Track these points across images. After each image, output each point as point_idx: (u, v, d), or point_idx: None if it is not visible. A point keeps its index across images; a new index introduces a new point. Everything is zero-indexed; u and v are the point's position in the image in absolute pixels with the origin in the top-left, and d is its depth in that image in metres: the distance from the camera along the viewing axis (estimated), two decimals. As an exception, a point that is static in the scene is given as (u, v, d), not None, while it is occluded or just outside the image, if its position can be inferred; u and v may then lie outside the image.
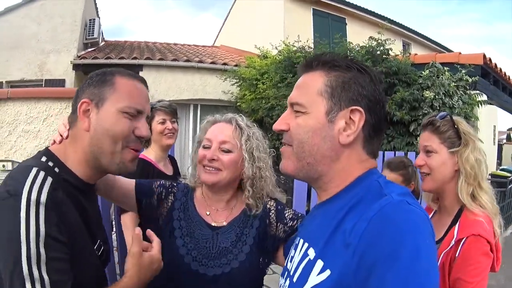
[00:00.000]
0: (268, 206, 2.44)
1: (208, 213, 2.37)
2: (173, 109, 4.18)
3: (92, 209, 1.92)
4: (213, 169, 2.29)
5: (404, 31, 21.17)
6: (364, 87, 1.49)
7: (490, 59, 10.58)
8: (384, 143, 8.99)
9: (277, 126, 1.62)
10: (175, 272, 2.18)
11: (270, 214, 2.42)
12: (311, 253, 1.45)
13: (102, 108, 1.81)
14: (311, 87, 1.54)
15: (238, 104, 13.51)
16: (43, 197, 1.53)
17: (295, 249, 1.64)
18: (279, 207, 2.46)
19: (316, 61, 1.58)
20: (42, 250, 1.46)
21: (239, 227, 2.34)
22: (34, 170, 1.62)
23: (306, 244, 1.54)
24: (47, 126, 9.74)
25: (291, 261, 1.64)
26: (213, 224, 2.33)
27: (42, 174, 1.62)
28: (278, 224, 2.40)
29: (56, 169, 1.74)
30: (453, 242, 2.34)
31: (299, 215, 2.47)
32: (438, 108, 8.66)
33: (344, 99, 1.48)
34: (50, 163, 1.75)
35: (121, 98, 1.82)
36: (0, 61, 15.05)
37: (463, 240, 2.30)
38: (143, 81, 1.97)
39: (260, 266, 2.34)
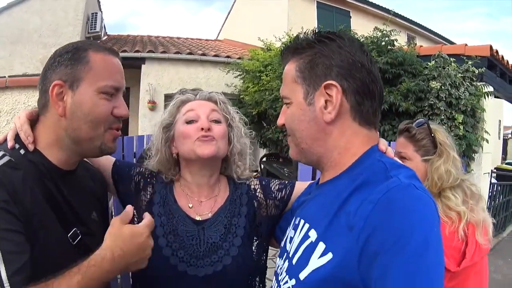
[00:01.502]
0: (252, 186, 2.25)
1: (190, 205, 2.11)
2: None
3: (70, 195, 1.76)
4: (210, 137, 2.06)
5: (409, 24, 21.20)
6: (330, 56, 1.45)
7: (496, 51, 10.43)
8: (390, 134, 8.83)
9: (278, 121, 1.64)
10: (161, 276, 1.97)
11: (257, 194, 2.22)
12: (313, 234, 1.41)
13: (78, 91, 1.69)
14: (288, 77, 1.55)
15: (241, 96, 13.46)
16: None
17: (295, 230, 1.58)
18: (263, 182, 2.28)
19: (286, 51, 1.59)
20: None
21: (226, 217, 2.10)
22: None
23: (307, 225, 1.49)
24: None
25: (290, 242, 1.59)
26: (197, 218, 2.07)
27: (0, 153, 1.57)
28: (268, 201, 2.21)
29: (22, 151, 1.67)
30: None
31: (286, 183, 2.30)
32: (444, 99, 8.54)
33: (314, 78, 1.46)
34: (17, 145, 1.68)
35: (99, 77, 1.71)
36: (3, 55, 15.11)
37: None
38: (117, 54, 1.85)
39: (255, 257, 2.12)
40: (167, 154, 2.14)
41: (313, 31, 1.55)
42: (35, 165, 1.65)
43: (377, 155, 1.45)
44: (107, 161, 2.19)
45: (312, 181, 2.15)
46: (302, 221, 1.54)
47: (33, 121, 1.78)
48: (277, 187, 2.25)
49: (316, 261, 1.32)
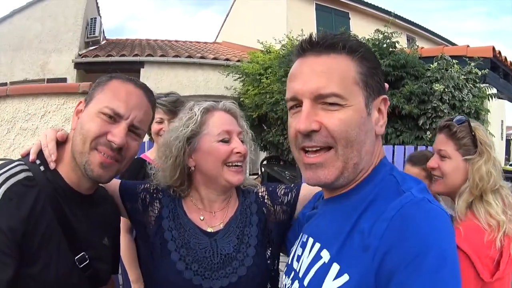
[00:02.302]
0: (260, 194, 2.23)
1: (202, 218, 2.09)
2: (174, 108, 3.67)
3: (83, 219, 1.80)
4: (240, 165, 2.05)
5: (408, 25, 21.21)
6: (382, 72, 1.41)
7: (499, 52, 10.42)
8: (393, 137, 8.84)
9: (306, 125, 1.34)
10: None
11: (265, 201, 2.20)
12: (325, 255, 1.34)
13: (87, 108, 1.78)
14: (345, 75, 1.35)
15: (241, 99, 13.33)
16: (3, 188, 1.53)
17: (303, 248, 1.52)
18: (270, 189, 2.25)
19: (342, 42, 1.38)
20: None
21: (238, 227, 2.08)
22: (15, 163, 1.66)
23: (318, 245, 1.42)
24: (44, 123, 9.61)
25: (298, 261, 1.53)
26: (208, 230, 2.06)
27: (18, 168, 1.63)
28: (276, 207, 2.18)
29: (42, 168, 1.71)
30: None
31: (292, 186, 2.25)
32: (447, 101, 8.48)
33: (374, 88, 1.38)
34: (38, 161, 1.73)
35: (104, 98, 1.76)
36: (4, 62, 15.37)
37: None
38: (143, 87, 1.86)
39: (269, 265, 2.10)
40: (182, 165, 2.07)
41: (348, 34, 1.46)
42: (51, 184, 1.69)
43: (388, 168, 1.41)
44: (115, 183, 2.14)
45: (317, 192, 1.99)
46: (311, 240, 1.48)
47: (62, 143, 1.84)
48: (283, 192, 2.22)
49: (331, 283, 1.26)
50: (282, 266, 1.86)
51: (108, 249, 1.99)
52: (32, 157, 1.72)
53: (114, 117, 1.74)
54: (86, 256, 1.77)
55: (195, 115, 2.06)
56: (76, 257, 1.73)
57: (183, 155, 2.05)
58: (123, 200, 2.14)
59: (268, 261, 2.10)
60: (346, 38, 1.40)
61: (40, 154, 1.76)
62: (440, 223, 1.16)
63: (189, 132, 2.04)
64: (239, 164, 2.04)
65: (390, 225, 1.15)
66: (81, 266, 1.75)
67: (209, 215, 2.10)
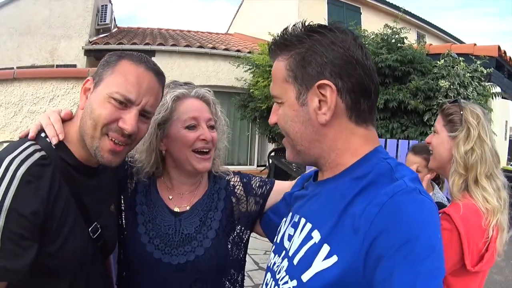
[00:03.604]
0: (232, 182, 2.31)
1: (170, 197, 2.21)
2: None
3: (94, 191, 1.87)
4: (206, 151, 2.12)
5: (419, 22, 21.21)
6: (323, 53, 1.38)
7: (505, 52, 10.55)
8: (398, 132, 9.00)
9: (270, 120, 1.58)
10: (139, 262, 2.08)
11: (236, 190, 2.28)
12: (316, 235, 1.38)
13: (97, 89, 1.76)
14: (278, 76, 1.48)
15: (251, 90, 13.43)
16: (21, 171, 1.55)
17: (294, 228, 1.56)
18: (244, 179, 2.34)
19: (273, 46, 1.51)
20: (2, 219, 1.48)
21: (202, 210, 2.18)
22: (26, 144, 1.67)
23: (309, 225, 1.45)
24: (53, 107, 9.47)
25: (289, 240, 1.56)
26: (175, 209, 2.17)
27: (31, 149, 1.65)
28: (248, 197, 2.27)
29: (54, 146, 1.73)
30: None
31: (267, 180, 2.36)
32: (452, 98, 8.11)
33: (307, 78, 1.40)
34: (48, 139, 1.74)
35: (114, 82, 1.73)
36: (11, 47, 15.23)
37: None
38: (155, 70, 1.82)
39: (230, 250, 2.21)
40: (156, 150, 2.16)
41: (302, 23, 1.47)
42: (63, 160, 1.73)
43: (382, 155, 1.43)
44: None
45: (304, 173, 2.15)
46: (303, 220, 1.52)
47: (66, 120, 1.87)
48: (258, 184, 2.31)
49: (320, 263, 1.30)
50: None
51: (114, 216, 2.09)
52: (32, 134, 1.73)
53: (125, 103, 1.72)
54: (98, 226, 1.87)
55: (166, 102, 2.11)
56: (90, 228, 1.83)
57: (155, 140, 2.13)
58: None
59: (230, 246, 2.19)
60: (282, 38, 1.47)
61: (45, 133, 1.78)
62: (429, 214, 1.21)
63: (160, 118, 2.10)
64: (205, 150, 2.11)
65: (382, 211, 1.19)
66: (95, 236, 1.85)
67: (177, 195, 2.20)
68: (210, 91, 2.28)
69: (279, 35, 1.49)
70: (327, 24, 1.45)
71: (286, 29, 1.48)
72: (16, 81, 9.39)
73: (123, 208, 2.21)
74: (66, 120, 1.86)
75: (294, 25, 1.47)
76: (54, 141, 1.73)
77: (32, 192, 1.55)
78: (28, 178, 1.55)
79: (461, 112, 2.50)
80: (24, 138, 1.73)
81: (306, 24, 1.46)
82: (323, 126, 1.41)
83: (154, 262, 2.04)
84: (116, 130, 1.73)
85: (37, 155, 1.63)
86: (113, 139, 1.74)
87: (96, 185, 1.90)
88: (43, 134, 1.75)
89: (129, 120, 1.72)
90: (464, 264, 2.21)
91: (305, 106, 1.42)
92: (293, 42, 1.43)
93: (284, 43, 1.46)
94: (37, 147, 1.67)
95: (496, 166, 2.47)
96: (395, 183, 1.26)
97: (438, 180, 3.84)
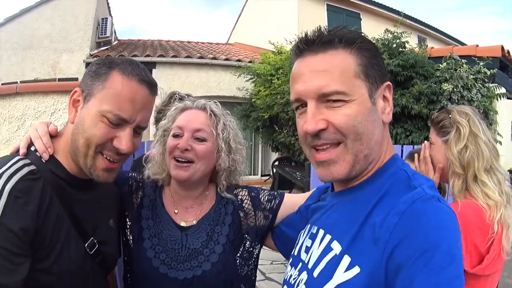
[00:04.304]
0: (239, 197, 2.25)
1: (176, 211, 2.18)
2: None
3: (89, 204, 1.81)
4: (185, 161, 2.08)
5: (420, 25, 21.22)
6: (383, 58, 1.43)
7: (508, 52, 10.50)
8: (402, 138, 8.96)
9: (313, 126, 1.36)
10: (145, 277, 2.05)
11: (244, 205, 2.23)
12: (336, 247, 1.35)
13: (87, 105, 1.67)
14: (345, 70, 1.35)
15: (253, 100, 13.51)
16: (8, 186, 1.49)
17: (312, 239, 1.52)
18: (252, 193, 2.27)
19: (338, 37, 1.38)
20: None
21: (210, 225, 2.15)
22: (15, 159, 1.61)
23: (329, 236, 1.42)
24: (54, 121, 9.40)
25: (306, 252, 1.52)
26: (181, 224, 2.14)
27: (20, 163, 1.59)
28: (257, 212, 2.22)
29: (43, 159, 1.68)
30: None
31: (276, 194, 2.30)
32: (456, 101, 8.58)
33: (377, 77, 1.38)
34: (38, 153, 1.70)
35: (106, 100, 1.64)
36: (15, 61, 15.46)
37: None
38: (148, 82, 1.73)
39: (238, 265, 2.17)
40: (164, 155, 2.17)
41: (343, 26, 1.42)
42: (55, 174, 1.68)
43: (400, 163, 1.42)
44: None
45: (320, 186, 2.05)
46: (321, 231, 1.48)
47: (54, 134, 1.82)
48: (266, 198, 2.25)
49: (342, 275, 1.27)
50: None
51: (114, 231, 2.03)
52: (22, 151, 1.68)
53: (119, 123, 1.66)
54: (95, 241, 1.80)
55: (171, 113, 2.21)
56: (86, 244, 1.76)
57: (161, 145, 2.20)
58: (115, 182, 2.09)
59: (238, 261, 2.16)
60: (341, 31, 1.39)
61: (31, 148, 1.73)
62: (449, 221, 1.19)
63: (165, 125, 2.20)
64: (181, 160, 2.07)
65: (401, 220, 1.17)
66: (92, 252, 1.78)
67: (183, 209, 2.18)
68: (216, 104, 2.25)
69: (335, 29, 1.41)
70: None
71: (336, 28, 1.42)
72: (19, 95, 9.42)
73: (129, 223, 2.20)
74: (54, 136, 1.80)
75: (336, 28, 1.42)
76: (45, 156, 1.69)
77: (21, 208, 1.50)
78: (17, 193, 1.50)
79: (450, 116, 2.53)
80: (14, 153, 1.70)
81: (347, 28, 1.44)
82: (384, 126, 1.42)
83: (160, 277, 2.02)
84: (110, 149, 1.69)
85: (25, 170, 1.58)
86: (108, 158, 1.70)
87: (90, 198, 1.84)
88: (33, 148, 1.72)
89: (124, 140, 1.68)
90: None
91: (375, 105, 1.38)
92: (356, 36, 1.39)
93: (346, 36, 1.38)
94: (26, 161, 1.63)
95: (496, 159, 2.46)
96: (414, 191, 1.25)
97: (439, 189, 3.81)
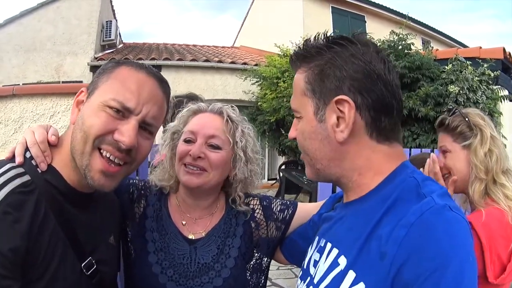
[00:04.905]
0: (251, 206, 2.16)
1: (184, 222, 2.05)
2: None
3: (88, 220, 1.65)
4: (197, 169, 1.96)
5: (423, 28, 21.34)
6: (342, 67, 1.31)
7: (509, 54, 10.57)
8: (409, 141, 8.97)
9: (290, 134, 1.51)
10: None
11: (255, 215, 2.14)
12: (342, 261, 1.31)
13: (90, 98, 1.56)
14: (297, 89, 1.42)
15: (259, 103, 13.56)
16: None
17: (320, 253, 1.49)
18: (264, 203, 2.18)
19: (294, 57, 1.45)
20: None
21: (220, 237, 2.03)
22: (6, 167, 1.45)
23: (336, 250, 1.38)
24: (54, 124, 9.33)
25: (314, 266, 1.49)
26: (189, 236, 2.01)
27: (11, 173, 1.43)
28: (269, 222, 2.13)
29: (39, 169, 1.52)
30: None
31: (288, 203, 2.21)
32: (463, 103, 8.62)
33: (325, 92, 1.33)
34: (34, 162, 1.52)
35: (110, 89, 1.54)
36: (16, 64, 15.52)
37: None
38: (157, 76, 1.65)
39: (249, 279, 2.09)
40: (172, 161, 2.06)
41: (324, 34, 1.40)
42: (51, 186, 1.51)
43: (409, 171, 1.35)
44: None
45: (334, 194, 2.05)
46: (329, 245, 1.45)
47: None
48: (279, 208, 2.16)
49: None
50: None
51: (114, 248, 1.87)
52: (18, 159, 1.50)
53: (122, 112, 1.52)
54: (93, 261, 1.64)
55: (184, 114, 2.09)
56: (83, 264, 1.60)
57: (169, 149, 2.08)
58: (115, 193, 2.00)
59: (248, 274, 2.07)
60: (305, 49, 1.40)
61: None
62: (460, 233, 1.14)
63: (175, 127, 2.09)
64: (192, 167, 1.96)
65: (409, 233, 1.12)
66: (89, 273, 1.61)
67: (191, 220, 2.06)
68: (234, 108, 2.15)
69: (300, 46, 1.43)
70: (349, 36, 1.39)
71: (308, 40, 1.42)
72: (16, 97, 9.30)
73: (130, 236, 2.05)
74: (53, 144, 1.62)
75: (316, 36, 1.40)
76: (42, 166, 1.52)
77: (10, 226, 1.34)
78: (6, 208, 1.34)
79: (467, 119, 2.46)
80: (6, 160, 1.51)
81: (328, 35, 1.40)
82: (341, 144, 1.34)
83: None
84: (110, 143, 1.51)
85: (17, 181, 1.41)
86: (107, 154, 1.52)
87: (90, 215, 1.68)
88: (28, 154, 1.53)
89: (126, 132, 1.51)
90: (486, 276, 2.15)
91: (323, 123, 1.35)
92: (312, 53, 1.37)
93: (304, 54, 1.40)
94: (19, 170, 1.45)
95: (508, 160, 2.45)
96: (423, 200, 1.19)
97: None
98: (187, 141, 1.98)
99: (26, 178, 1.44)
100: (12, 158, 1.51)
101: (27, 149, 1.55)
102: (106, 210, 1.82)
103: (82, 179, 1.55)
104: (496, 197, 2.32)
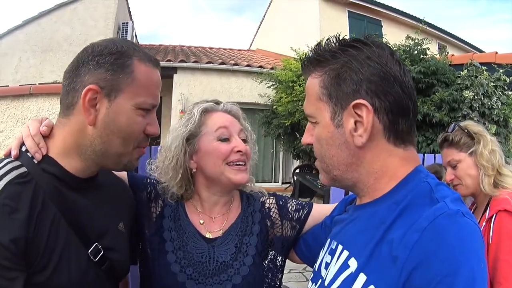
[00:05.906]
0: (267, 205, 2.19)
1: (201, 221, 2.08)
2: None
3: (91, 205, 1.66)
4: (243, 164, 2.03)
5: (440, 33, 21.35)
6: (358, 70, 1.31)
7: None
8: (423, 146, 8.98)
9: (304, 140, 1.51)
10: None
11: (271, 213, 2.16)
12: (353, 264, 1.31)
13: (116, 101, 1.57)
14: (312, 94, 1.42)
15: (274, 107, 13.67)
16: None
17: (331, 255, 1.49)
18: (280, 202, 2.20)
19: (307, 62, 1.45)
20: None
21: (237, 235, 2.05)
22: (3, 162, 1.50)
23: (346, 253, 1.39)
24: None
25: (326, 268, 1.49)
26: (207, 235, 2.04)
27: (8, 166, 1.47)
28: (284, 221, 2.14)
29: (35, 160, 1.55)
30: (484, 223, 2.52)
31: (304, 203, 2.23)
32: (477, 109, 8.71)
33: (342, 96, 1.33)
34: (29, 154, 1.55)
35: (139, 92, 1.59)
36: (33, 64, 15.76)
37: (492, 218, 2.49)
38: (158, 65, 1.71)
39: (266, 277, 2.11)
40: (184, 167, 2.05)
41: (336, 37, 1.39)
42: (49, 175, 1.54)
43: (423, 175, 1.35)
44: (122, 173, 2.08)
45: (346, 196, 2.05)
46: (340, 247, 1.46)
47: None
48: (294, 208, 2.17)
49: None
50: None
51: (124, 235, 1.85)
52: (14, 153, 1.54)
53: (150, 110, 1.65)
54: (100, 247, 1.63)
55: (194, 115, 2.05)
56: (89, 250, 1.60)
57: (183, 156, 2.03)
58: (131, 187, 2.08)
59: (265, 271, 2.09)
60: (317, 52, 1.40)
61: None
62: (472, 240, 1.14)
63: (187, 132, 2.03)
64: (240, 163, 2.01)
65: (422, 237, 1.12)
66: (96, 259, 1.62)
67: (209, 219, 2.08)
68: (237, 105, 2.22)
69: (312, 50, 1.43)
70: (362, 38, 1.39)
71: (319, 43, 1.42)
72: (33, 96, 9.50)
73: (147, 235, 2.05)
74: (46, 136, 1.64)
75: (328, 40, 1.40)
76: (37, 157, 1.55)
77: (9, 217, 1.36)
78: (3, 200, 1.37)
79: (466, 130, 2.83)
80: (4, 157, 1.57)
81: (341, 38, 1.40)
82: (359, 148, 1.34)
83: None
84: (144, 139, 1.67)
85: (14, 173, 1.45)
86: (142, 147, 1.69)
87: (94, 200, 1.69)
88: (24, 148, 1.57)
89: (155, 123, 1.68)
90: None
91: (340, 128, 1.35)
92: (327, 57, 1.36)
93: (317, 58, 1.39)
94: (16, 163, 1.50)
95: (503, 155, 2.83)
96: (436, 205, 1.19)
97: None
98: (224, 139, 2.01)
99: (23, 169, 1.48)
100: (9, 155, 1.56)
101: (23, 143, 1.59)
102: (114, 196, 1.85)
103: (84, 165, 1.61)
104: (507, 184, 2.66)
